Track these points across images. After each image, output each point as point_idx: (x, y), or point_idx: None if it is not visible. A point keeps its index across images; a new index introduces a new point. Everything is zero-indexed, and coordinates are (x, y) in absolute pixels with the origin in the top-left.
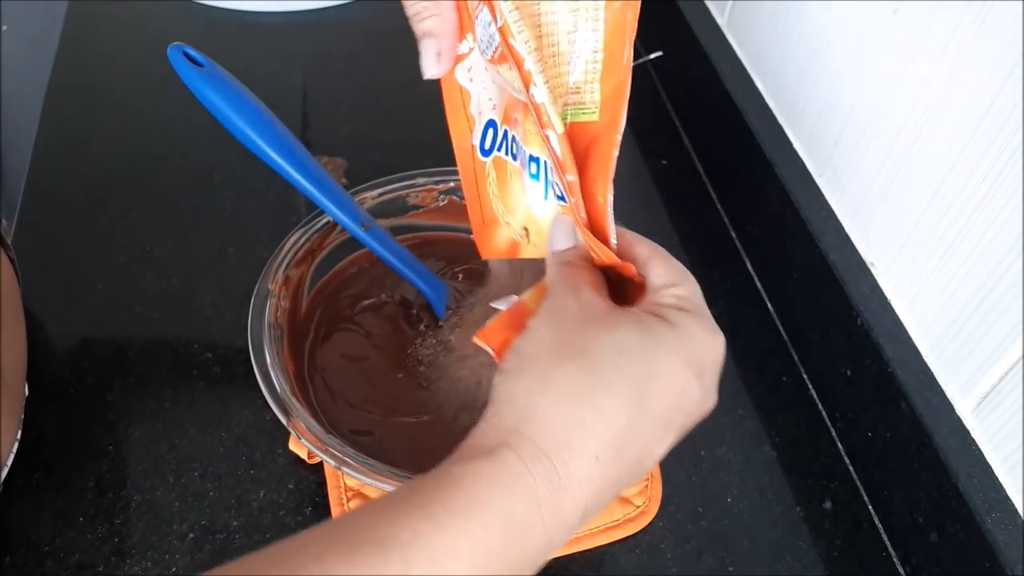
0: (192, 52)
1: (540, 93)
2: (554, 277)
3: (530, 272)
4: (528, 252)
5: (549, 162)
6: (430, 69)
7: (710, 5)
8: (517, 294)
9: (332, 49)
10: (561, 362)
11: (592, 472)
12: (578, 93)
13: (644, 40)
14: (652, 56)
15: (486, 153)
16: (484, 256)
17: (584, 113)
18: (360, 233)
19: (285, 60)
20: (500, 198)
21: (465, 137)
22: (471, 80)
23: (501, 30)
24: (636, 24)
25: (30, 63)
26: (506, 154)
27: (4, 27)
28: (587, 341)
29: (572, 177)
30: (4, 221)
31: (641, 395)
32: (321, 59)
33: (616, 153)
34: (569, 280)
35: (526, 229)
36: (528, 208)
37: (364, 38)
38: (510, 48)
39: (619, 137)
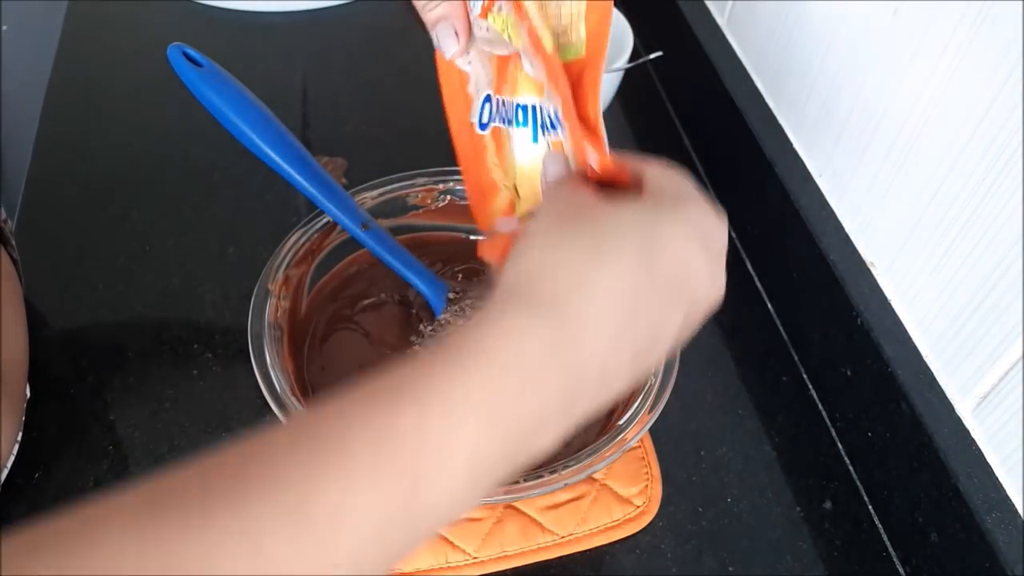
0: (192, 52)
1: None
2: (549, 189)
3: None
4: (521, 208)
5: (539, 105)
6: (451, 48)
7: (710, 5)
8: None
9: (332, 49)
10: (566, 229)
11: (603, 322)
12: (565, 35)
13: (644, 40)
14: (652, 56)
15: (484, 127)
16: (482, 228)
17: (570, 52)
18: (360, 233)
19: (285, 60)
20: (499, 165)
21: (464, 117)
22: (469, 63)
23: None
24: None
25: (30, 63)
26: (501, 122)
27: (4, 27)
28: (591, 215)
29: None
30: (7, 218)
31: (647, 260)
32: (321, 59)
33: (602, 72)
34: (565, 183)
35: (516, 187)
36: (514, 163)
37: (364, 38)
38: None
39: (603, 61)
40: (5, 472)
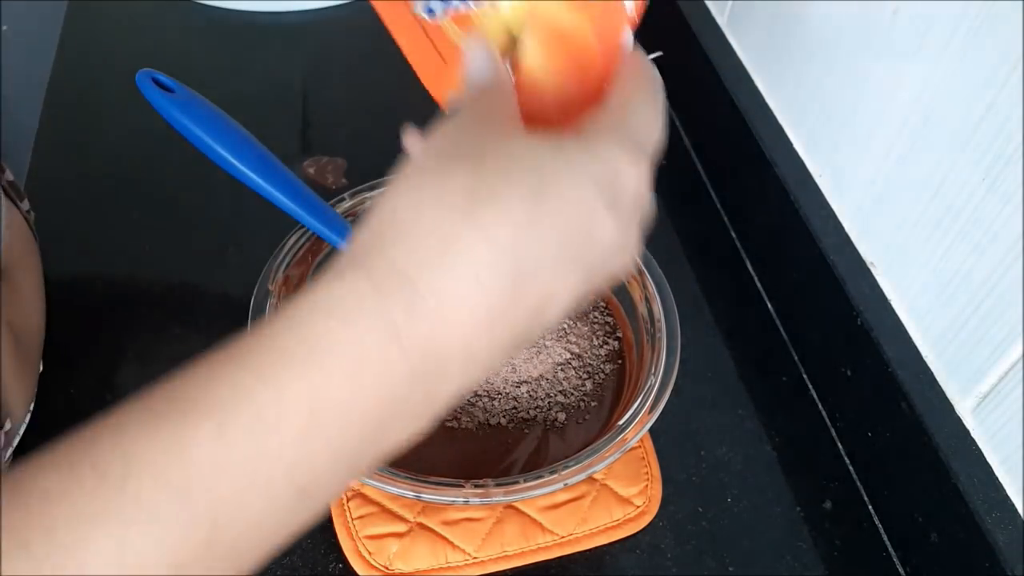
0: (162, 78)
1: None
2: (455, 103)
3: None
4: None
5: None
6: None
7: (710, 5)
8: None
9: (332, 49)
10: (442, 168)
11: (473, 297)
12: None
13: (644, 40)
14: (652, 56)
15: (431, 13)
16: (442, 94)
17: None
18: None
19: (285, 60)
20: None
21: (408, 14)
22: None
23: None
24: None
25: (30, 63)
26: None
27: (4, 27)
28: (477, 146)
29: None
30: (28, 206)
31: (532, 211)
32: (321, 59)
33: None
34: (482, 95)
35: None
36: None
37: (364, 38)
38: None
39: None
40: (17, 439)
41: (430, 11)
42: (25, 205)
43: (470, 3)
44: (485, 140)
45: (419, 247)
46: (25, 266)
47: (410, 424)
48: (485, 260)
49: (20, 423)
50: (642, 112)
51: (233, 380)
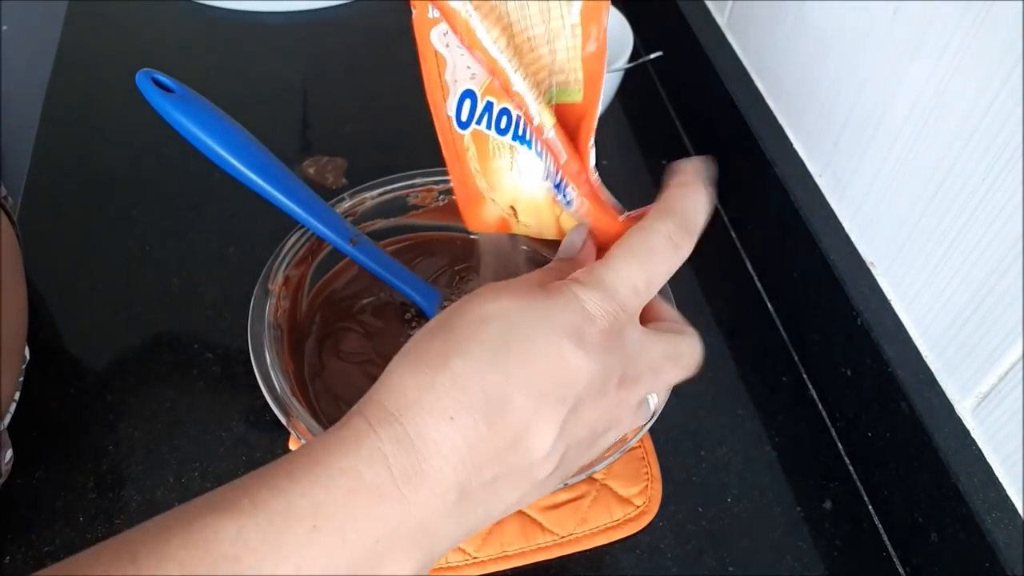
0: (161, 77)
1: (527, 97)
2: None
3: (524, 256)
4: (519, 229)
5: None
6: None
7: (710, 5)
8: (512, 273)
9: (332, 49)
10: (426, 334)
11: (451, 436)
12: (563, 73)
13: (644, 40)
14: (652, 56)
15: (463, 126)
16: (471, 228)
17: (569, 94)
18: (348, 248)
19: (285, 60)
20: (483, 174)
21: (441, 107)
22: (447, 46)
23: (464, 39)
24: None
25: (30, 63)
26: (489, 128)
27: (4, 27)
28: (457, 313)
29: (575, 166)
30: (7, 195)
31: (501, 360)
32: (321, 59)
33: (594, 128)
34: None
35: (513, 208)
36: (517, 187)
37: (364, 38)
38: (480, 54)
39: (598, 115)
40: (2, 426)
41: (461, 123)
42: (2, 191)
43: (500, 130)
44: (462, 307)
45: (403, 394)
46: (5, 255)
47: (405, 560)
48: (457, 401)
49: (1, 418)
50: (619, 266)
51: (253, 493)
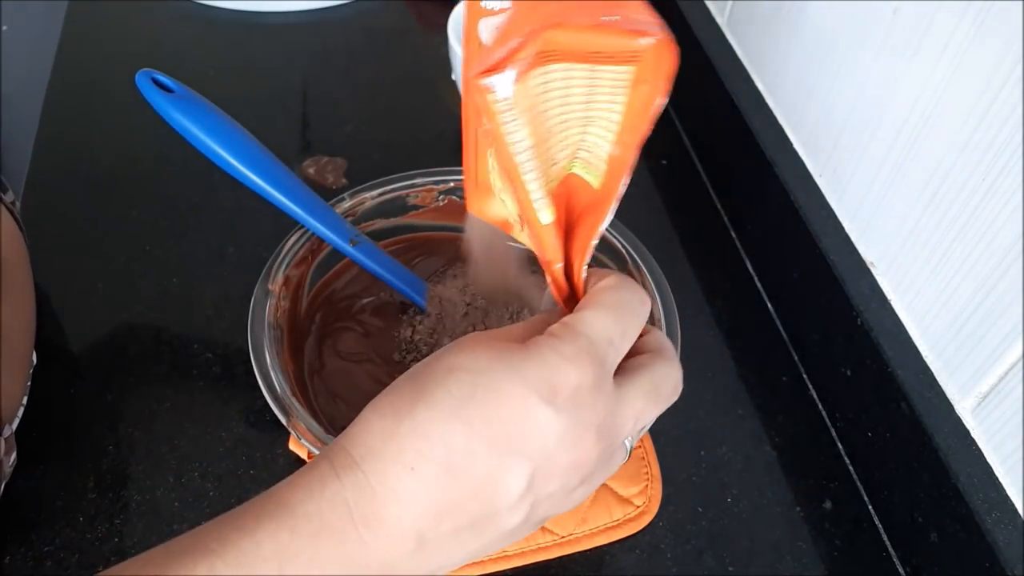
0: (161, 77)
1: (531, 182)
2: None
3: (516, 263)
4: (520, 238)
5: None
6: None
7: (710, 5)
8: (503, 282)
9: (332, 49)
10: (399, 381)
11: (410, 486)
12: (589, 152)
13: None
14: None
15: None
16: (471, 211)
17: (590, 172)
18: (348, 248)
19: (285, 60)
20: (498, 173)
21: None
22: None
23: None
24: (657, 115)
25: (30, 63)
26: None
27: (4, 27)
28: (430, 363)
29: (558, 265)
30: (14, 200)
31: (466, 412)
32: (321, 59)
33: (603, 228)
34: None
35: (521, 219)
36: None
37: (364, 38)
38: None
39: (610, 216)
40: (12, 429)
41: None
42: (9, 196)
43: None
44: (437, 356)
45: (366, 441)
46: (11, 257)
47: None
48: (418, 451)
49: (10, 422)
50: (593, 320)
51: (222, 533)
